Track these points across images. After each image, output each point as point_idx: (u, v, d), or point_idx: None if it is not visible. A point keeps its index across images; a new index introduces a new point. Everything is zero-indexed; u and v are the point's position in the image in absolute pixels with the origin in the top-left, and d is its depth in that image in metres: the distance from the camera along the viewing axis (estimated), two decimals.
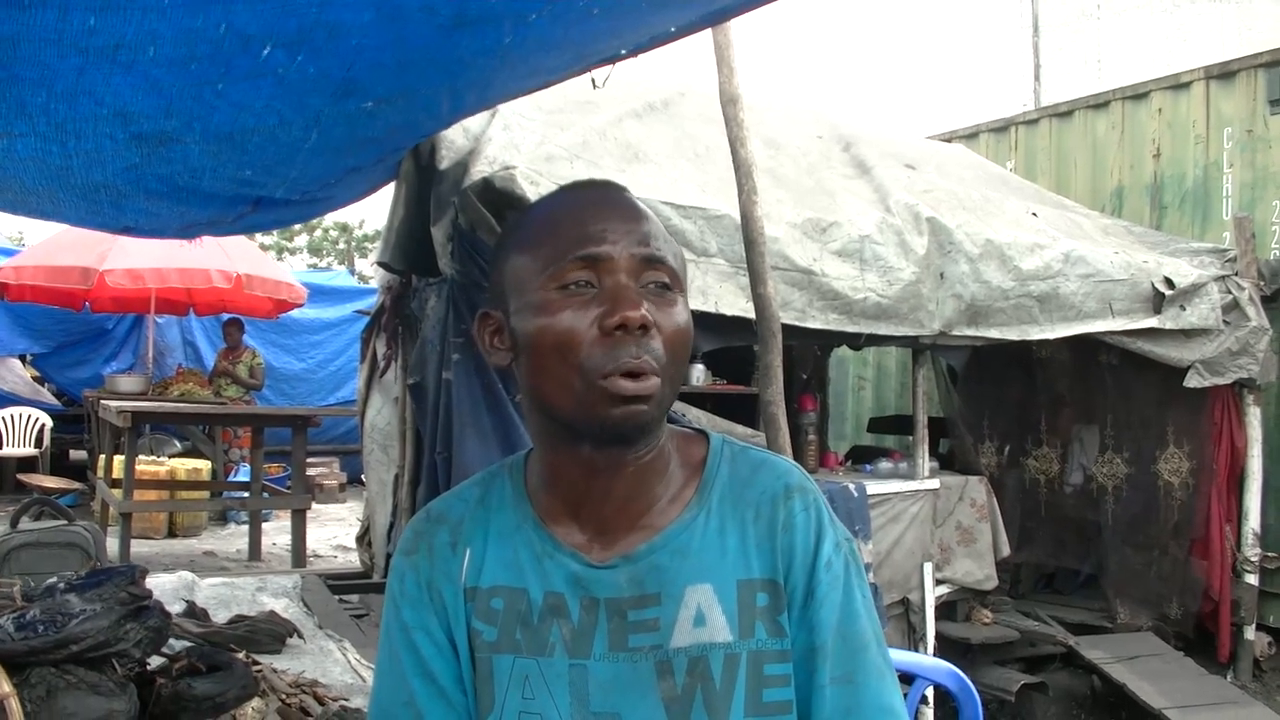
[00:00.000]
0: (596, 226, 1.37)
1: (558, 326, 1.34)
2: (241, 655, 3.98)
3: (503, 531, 1.48)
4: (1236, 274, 6.74)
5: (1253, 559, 6.89)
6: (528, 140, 5.03)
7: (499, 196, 4.61)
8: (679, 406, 4.75)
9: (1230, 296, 6.60)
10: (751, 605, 1.41)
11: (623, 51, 3.19)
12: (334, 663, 4.48)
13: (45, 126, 2.88)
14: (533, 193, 4.53)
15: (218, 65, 2.48)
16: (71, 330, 13.46)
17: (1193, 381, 6.59)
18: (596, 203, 1.42)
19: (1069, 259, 6.06)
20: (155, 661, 3.18)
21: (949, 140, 9.33)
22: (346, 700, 3.75)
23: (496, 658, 1.43)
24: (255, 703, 3.40)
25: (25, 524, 4.81)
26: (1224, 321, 6.56)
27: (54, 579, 3.08)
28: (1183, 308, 6.41)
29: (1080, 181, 8.49)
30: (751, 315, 4.45)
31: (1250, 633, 6.89)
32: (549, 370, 1.36)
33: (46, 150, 3.11)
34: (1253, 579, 6.90)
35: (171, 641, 3.45)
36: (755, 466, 1.50)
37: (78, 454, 13.02)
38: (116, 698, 2.78)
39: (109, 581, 2.91)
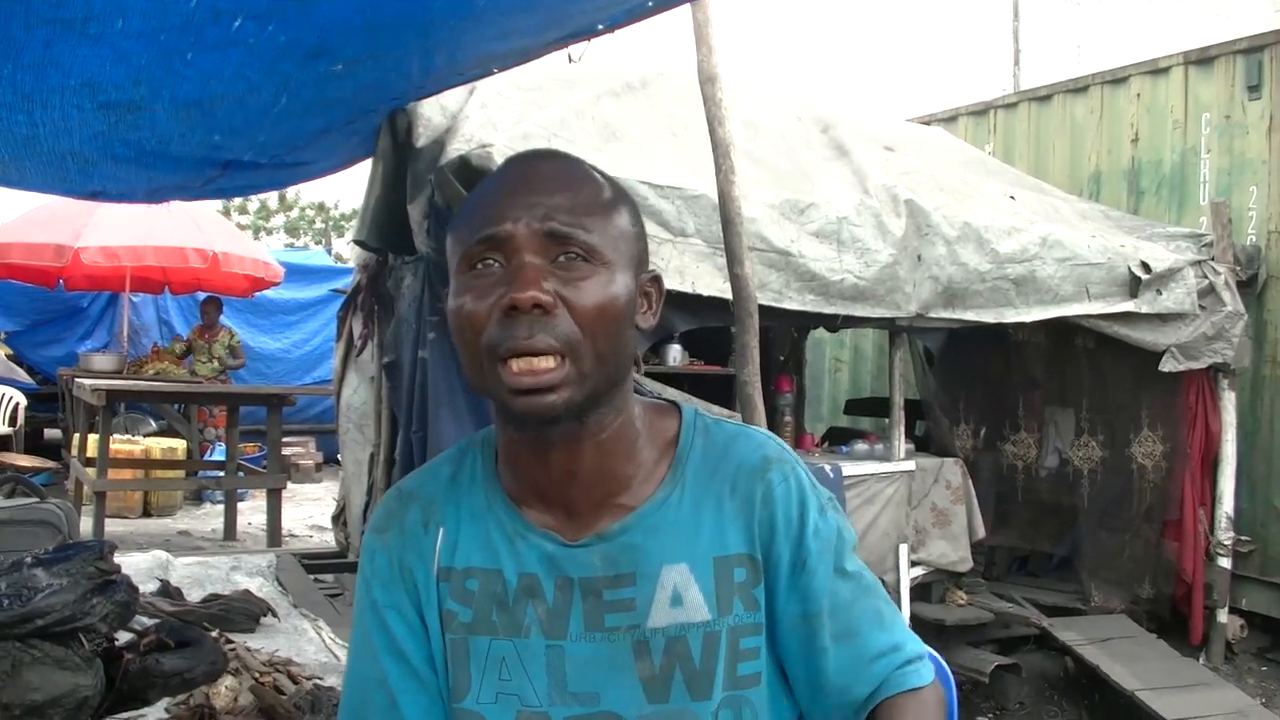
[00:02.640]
0: (501, 206, 1.34)
1: (464, 309, 1.32)
2: (215, 633, 3.96)
3: (474, 511, 1.46)
4: (1213, 259, 6.76)
5: (1226, 542, 6.93)
6: (505, 118, 5.01)
7: (476, 175, 4.59)
8: (654, 386, 4.74)
9: (1206, 281, 6.62)
10: (729, 581, 1.41)
11: (600, 26, 3.17)
12: (308, 641, 4.46)
13: (12, 97, 2.86)
14: None
15: (187, 36, 2.46)
16: (46, 308, 13.38)
17: (1168, 365, 6.61)
18: (511, 180, 1.39)
19: (1046, 242, 6.07)
20: (124, 637, 3.16)
21: (928, 123, 9.33)
22: (320, 679, 3.73)
23: (473, 639, 1.42)
24: (229, 681, 3.39)
25: None
26: (1200, 306, 6.58)
27: (22, 554, 3.05)
28: (1159, 292, 6.42)
29: (1058, 165, 8.50)
30: (728, 295, 4.44)
31: (1223, 616, 6.93)
32: (462, 352, 1.35)
33: (13, 120, 3.09)
34: (1226, 562, 6.94)
35: (145, 620, 3.43)
36: (730, 439, 1.48)
37: (52, 433, 12.93)
38: (82, 672, 2.77)
39: (77, 556, 2.89)
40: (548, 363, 1.28)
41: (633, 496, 1.43)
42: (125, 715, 3.02)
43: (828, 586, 1.42)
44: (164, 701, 3.23)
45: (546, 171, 1.40)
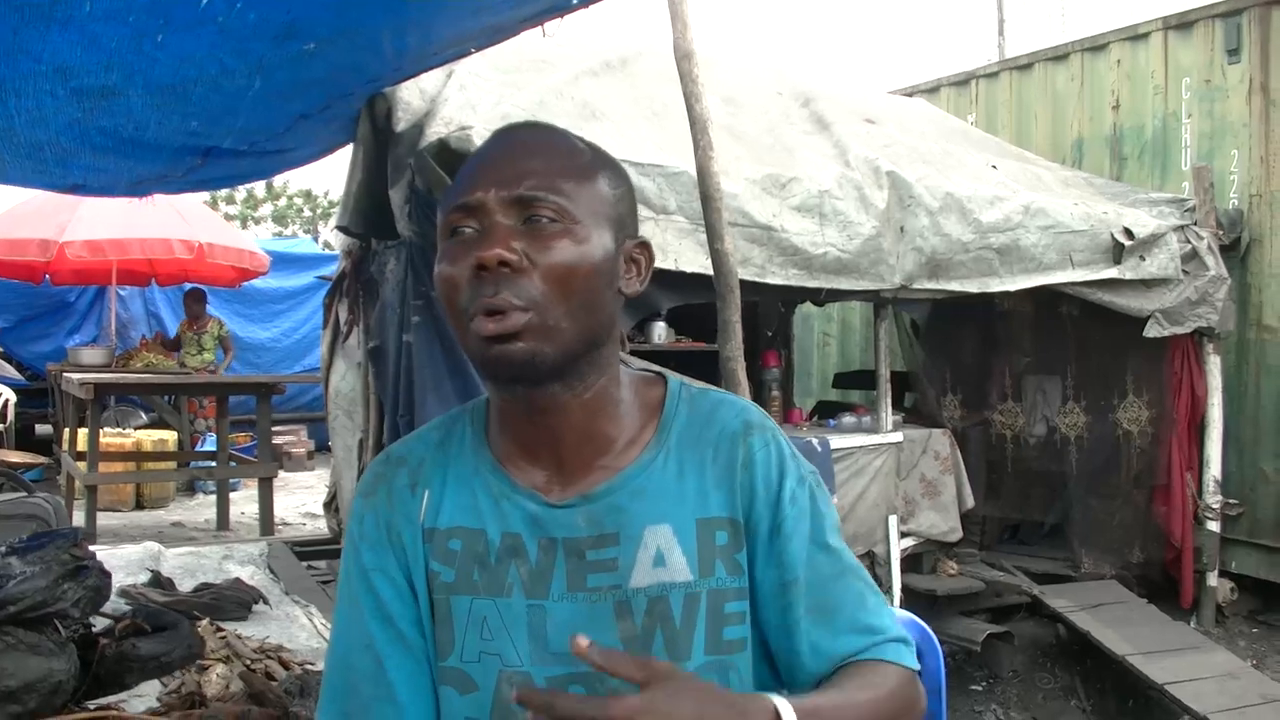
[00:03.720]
0: (477, 176, 1.38)
1: (445, 272, 1.37)
2: (205, 621, 3.98)
3: (461, 474, 1.48)
4: (1195, 224, 6.77)
5: (1214, 506, 6.96)
6: (484, 100, 5.00)
7: (456, 157, 4.58)
8: (641, 364, 4.75)
9: (1189, 246, 6.63)
10: (711, 544, 1.42)
11: (574, 1, 3.16)
12: (300, 628, 4.49)
13: None
14: None
15: (156, 17, 2.45)
16: (32, 304, 13.34)
17: (1152, 331, 6.63)
18: (490, 151, 1.44)
19: (1029, 211, 6.08)
20: (101, 623, 3.17)
21: (910, 95, 9.33)
22: (311, 664, 3.75)
23: (454, 599, 1.43)
24: (220, 669, 3.40)
25: None
26: (1183, 271, 6.60)
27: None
28: (1142, 258, 6.43)
29: (1040, 134, 8.52)
30: (710, 272, 4.45)
31: (1212, 579, 6.97)
32: (447, 315, 1.39)
33: None
34: (1214, 526, 6.97)
35: (122, 606, 3.44)
36: (714, 406, 1.51)
37: (43, 428, 12.91)
38: (56, 657, 2.77)
39: (51, 544, 2.89)
40: (517, 317, 1.31)
41: (618, 459, 1.45)
42: (103, 700, 3.04)
43: (804, 556, 1.43)
44: (156, 690, 3.26)
45: (522, 140, 1.44)
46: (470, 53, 4.16)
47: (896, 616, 1.53)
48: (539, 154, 1.40)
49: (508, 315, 1.31)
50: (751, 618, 1.45)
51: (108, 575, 3.04)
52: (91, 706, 2.92)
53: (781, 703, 1.25)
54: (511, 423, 1.46)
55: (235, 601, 4.51)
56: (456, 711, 1.43)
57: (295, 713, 2.83)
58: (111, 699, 3.07)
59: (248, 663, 3.53)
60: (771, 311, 8.15)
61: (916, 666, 1.47)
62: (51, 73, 2.76)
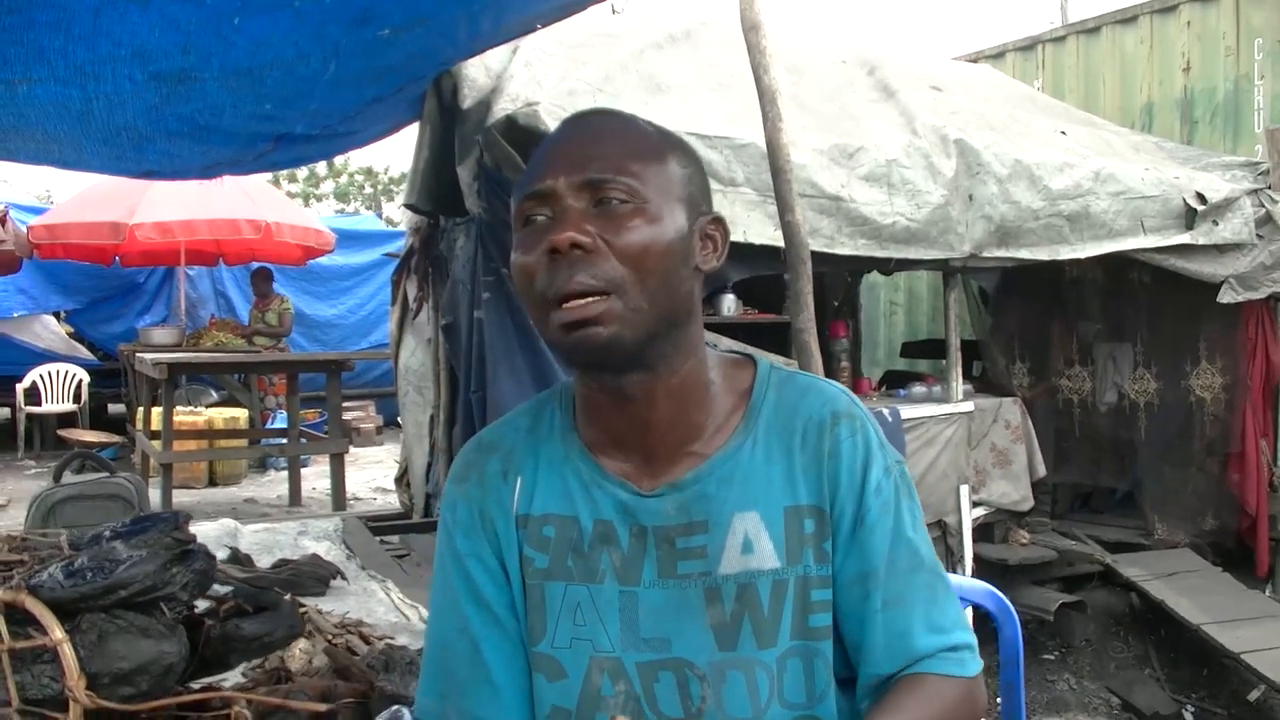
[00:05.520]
0: (547, 163, 1.38)
1: (520, 261, 1.37)
2: (287, 596, 4.03)
3: (552, 460, 1.49)
4: (1269, 187, 6.65)
5: None
6: (550, 76, 5.02)
7: (523, 134, 4.61)
8: (729, 343, 4.75)
9: (1263, 210, 6.52)
10: (799, 532, 1.42)
11: None
12: (378, 603, 4.53)
13: (65, 70, 2.88)
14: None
15: (234, 0, 2.47)
16: (104, 285, 13.55)
17: (1226, 297, 6.53)
18: (556, 139, 1.44)
19: (1099, 177, 6.01)
20: (202, 605, 3.23)
21: (975, 61, 9.23)
22: (392, 638, 3.79)
23: (548, 585, 1.45)
24: (302, 644, 3.45)
25: (68, 478, 4.87)
26: (1257, 235, 6.49)
27: (99, 528, 3.12)
28: (1215, 223, 6.34)
29: (1109, 98, 8.39)
30: (779, 244, 4.44)
31: None
32: (526, 303, 1.40)
33: (67, 95, 3.12)
34: None
35: (217, 588, 3.50)
36: (802, 392, 1.50)
37: (115, 408, 13.13)
38: (167, 640, 2.83)
39: (153, 528, 2.94)
40: (596, 301, 1.32)
41: (706, 445, 1.45)
42: (207, 679, 3.09)
43: (885, 548, 1.43)
44: (241, 666, 3.31)
45: (590, 126, 1.45)
46: (537, 29, 4.18)
47: (964, 614, 1.52)
48: (606, 138, 1.41)
49: (586, 299, 1.31)
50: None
51: (213, 558, 3.09)
52: (196, 687, 2.98)
53: None
54: (599, 411, 1.46)
55: (314, 577, 4.56)
56: (544, 700, 1.45)
57: (381, 687, 2.86)
58: (214, 678, 3.13)
59: (329, 638, 3.57)
60: (838, 282, 8.12)
61: (979, 668, 1.45)
62: (130, 56, 2.79)
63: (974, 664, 1.45)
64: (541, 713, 1.45)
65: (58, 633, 2.73)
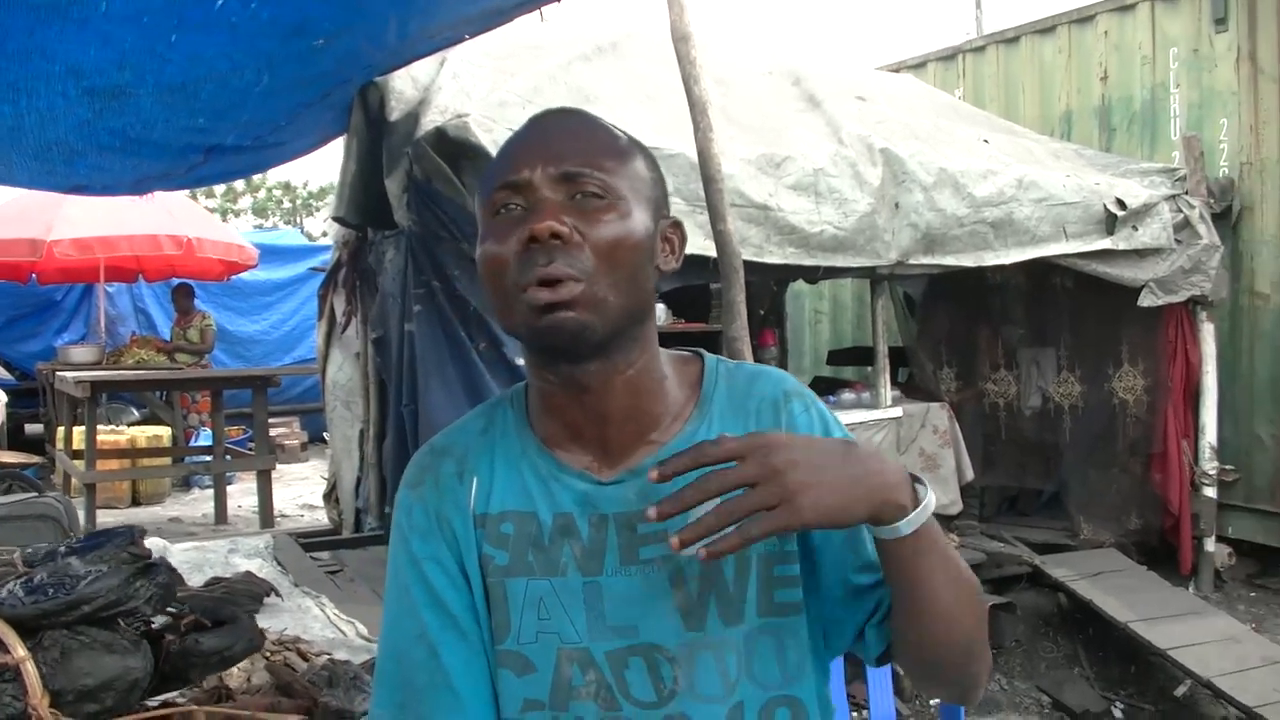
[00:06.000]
0: (520, 155, 1.40)
1: (490, 250, 1.38)
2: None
3: (508, 458, 1.49)
4: (1187, 193, 6.80)
5: (1210, 472, 7.01)
6: (478, 87, 5.01)
7: (453, 145, 4.59)
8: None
9: (1181, 215, 6.66)
10: None
11: None
12: (313, 619, 4.49)
13: None
14: (486, 140, 4.52)
15: (170, 17, 2.46)
16: (19, 303, 13.29)
17: (1146, 301, 6.66)
18: (528, 133, 1.45)
19: (1022, 184, 6.10)
20: (159, 621, 3.18)
21: (897, 71, 9.34)
22: (330, 654, 3.76)
23: (510, 581, 1.44)
24: (241, 662, 3.41)
25: None
26: (1176, 240, 6.63)
27: (49, 545, 3.08)
28: (1135, 228, 6.46)
29: (1029, 107, 8.53)
30: (708, 253, 4.46)
31: (1210, 545, 7.02)
32: (490, 292, 1.40)
33: None
34: (1211, 492, 7.02)
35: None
36: (751, 378, 1.52)
37: (33, 428, 12.87)
38: (131, 655, 2.78)
39: (109, 543, 2.90)
40: (571, 286, 1.33)
41: (663, 433, 1.47)
42: (166, 695, 3.05)
43: None
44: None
45: (563, 123, 1.46)
46: (464, 39, 4.18)
47: None
48: (580, 134, 1.43)
49: (562, 284, 1.32)
50: (806, 582, 1.47)
51: (175, 572, 3.05)
52: (154, 704, 2.94)
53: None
54: (555, 405, 1.47)
55: (248, 595, 4.49)
56: (515, 694, 1.44)
57: (325, 703, 2.83)
58: (172, 694, 3.09)
59: (268, 655, 3.53)
60: (764, 290, 8.16)
61: None
62: (64, 73, 2.76)
63: None
64: (513, 708, 1.44)
65: (20, 650, 2.67)
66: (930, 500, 1.31)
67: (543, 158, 1.38)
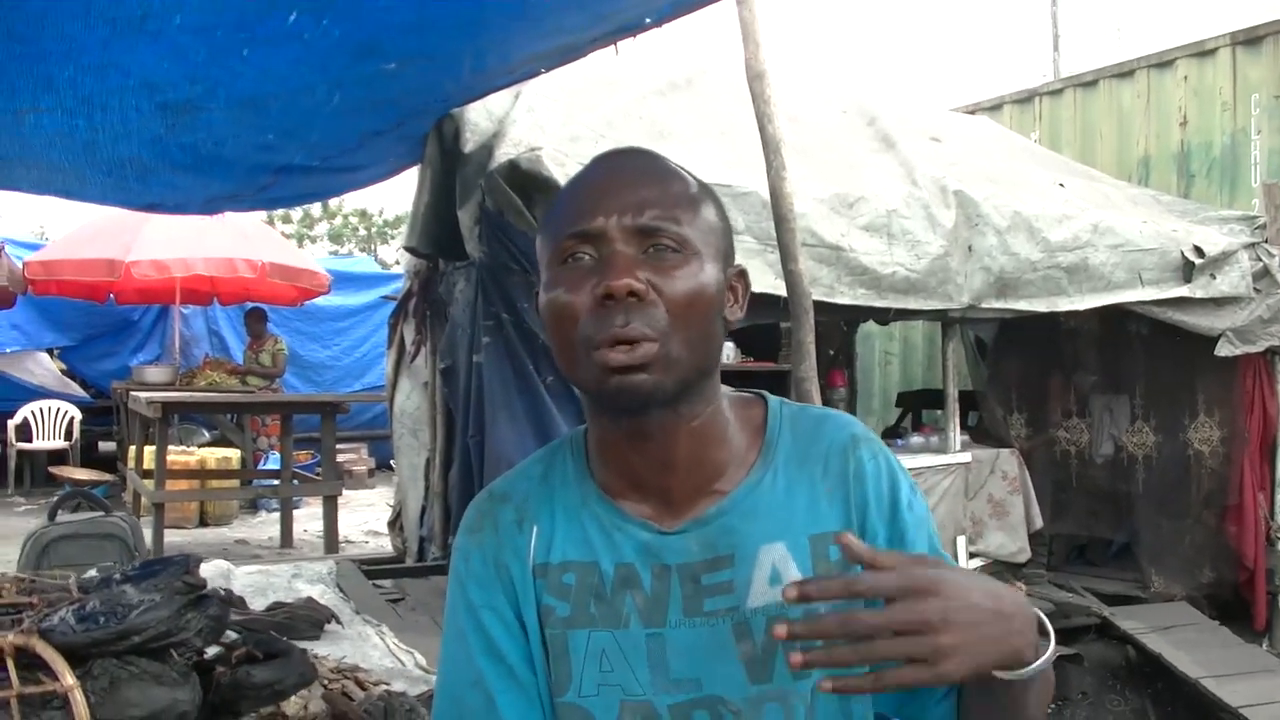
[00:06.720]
0: (591, 201, 1.36)
1: (558, 300, 1.34)
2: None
3: (569, 507, 1.46)
4: (1266, 241, 6.68)
5: None
6: (552, 121, 5.03)
7: (525, 178, 4.61)
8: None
9: (1260, 264, 6.54)
10: (825, 559, 1.40)
11: (647, 20, 3.18)
12: (373, 647, 4.49)
13: (72, 100, 2.89)
14: (559, 174, 4.53)
15: (243, 31, 2.49)
16: (97, 323, 13.53)
17: (1224, 350, 6.54)
18: (599, 176, 1.41)
19: (1097, 229, 6.03)
20: (211, 651, 3.18)
21: (972, 112, 9.29)
22: (388, 684, 3.76)
23: (571, 633, 1.42)
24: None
25: (63, 516, 4.85)
26: (1254, 289, 6.51)
27: (109, 570, 3.10)
28: (1213, 276, 6.36)
29: (1106, 151, 8.44)
30: (778, 292, 4.44)
31: None
32: (557, 343, 1.36)
33: (73, 125, 3.13)
34: None
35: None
36: (817, 422, 1.49)
37: (107, 446, 13.07)
38: (180, 687, 2.78)
39: (164, 572, 2.91)
40: (646, 348, 1.30)
41: (727, 482, 1.43)
42: None
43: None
44: (251, 715, 3.26)
45: (634, 167, 1.42)
46: (540, 73, 4.20)
47: None
48: (653, 181, 1.38)
49: (638, 346, 1.29)
50: None
51: (227, 604, 3.06)
52: None
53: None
54: (616, 453, 1.44)
55: (309, 621, 4.52)
56: None
57: None
58: None
59: (326, 683, 3.53)
60: (834, 331, 8.12)
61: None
62: (139, 86, 2.81)
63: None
64: None
65: (69, 678, 2.68)
66: (1052, 651, 1.22)
67: (618, 207, 1.34)
